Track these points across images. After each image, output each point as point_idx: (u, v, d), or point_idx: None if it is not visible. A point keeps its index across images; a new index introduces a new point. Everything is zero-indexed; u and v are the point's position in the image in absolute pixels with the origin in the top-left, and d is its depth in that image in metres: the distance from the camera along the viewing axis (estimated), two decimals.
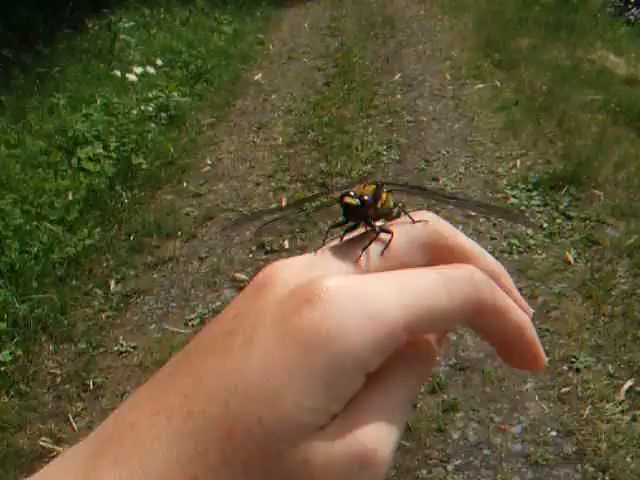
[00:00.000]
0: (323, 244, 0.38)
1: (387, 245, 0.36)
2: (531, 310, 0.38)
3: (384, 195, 0.40)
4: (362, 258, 0.35)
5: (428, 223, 0.37)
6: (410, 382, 0.32)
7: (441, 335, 0.36)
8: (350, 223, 0.39)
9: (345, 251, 0.35)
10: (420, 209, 0.39)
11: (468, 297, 0.32)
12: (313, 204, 0.46)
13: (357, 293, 0.30)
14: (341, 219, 0.39)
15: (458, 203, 0.47)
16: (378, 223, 0.39)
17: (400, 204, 0.42)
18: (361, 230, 0.38)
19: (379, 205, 0.40)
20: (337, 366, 0.28)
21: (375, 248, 0.36)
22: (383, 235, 0.36)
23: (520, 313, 0.35)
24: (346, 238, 0.38)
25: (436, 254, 0.36)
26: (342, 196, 0.38)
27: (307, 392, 0.28)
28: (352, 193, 0.38)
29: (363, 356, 0.29)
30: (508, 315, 0.34)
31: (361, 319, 0.29)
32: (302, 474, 0.29)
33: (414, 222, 0.37)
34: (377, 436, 0.29)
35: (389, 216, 0.41)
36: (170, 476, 0.29)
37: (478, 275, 0.33)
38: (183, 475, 0.29)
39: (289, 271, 0.33)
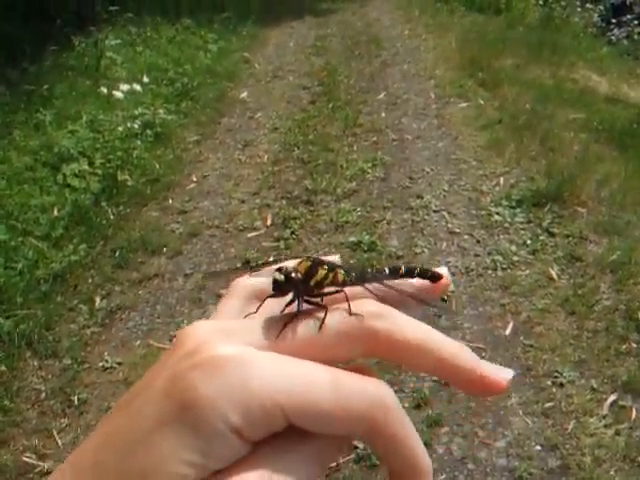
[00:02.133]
0: (256, 311, 0.40)
1: (322, 321, 0.36)
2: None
3: (322, 272, 0.41)
4: (285, 333, 0.36)
5: (364, 318, 0.35)
6: (298, 455, 0.33)
7: (341, 440, 0.35)
8: (290, 297, 0.39)
9: (271, 324, 0.36)
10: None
11: (361, 415, 0.32)
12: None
13: (243, 366, 0.32)
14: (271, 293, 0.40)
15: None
16: (317, 299, 0.40)
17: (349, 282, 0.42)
18: (306, 306, 0.39)
19: (312, 282, 0.40)
20: (208, 426, 0.30)
21: (306, 325, 0.36)
22: (318, 312, 0.37)
23: (424, 457, 0.34)
24: (285, 311, 0.39)
25: (370, 348, 0.35)
26: (275, 270, 0.39)
27: (182, 446, 0.30)
28: (283, 268, 0.39)
29: (233, 422, 0.30)
30: (407, 452, 0.33)
31: (235, 389, 0.31)
32: None
33: (350, 314, 0.36)
34: None
35: (339, 289, 0.41)
36: None
37: (389, 400, 0.33)
38: None
39: (203, 333, 0.34)
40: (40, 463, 2.67)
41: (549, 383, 2.85)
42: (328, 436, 0.33)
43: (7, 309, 3.43)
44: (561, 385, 2.83)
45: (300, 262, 0.41)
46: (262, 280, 0.42)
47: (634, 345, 3.04)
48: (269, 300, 0.40)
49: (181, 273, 3.85)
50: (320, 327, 0.36)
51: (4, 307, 3.43)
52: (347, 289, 0.41)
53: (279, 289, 0.39)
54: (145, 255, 4.03)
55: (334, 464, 2.53)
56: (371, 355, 0.36)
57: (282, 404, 0.31)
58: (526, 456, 2.52)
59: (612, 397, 2.76)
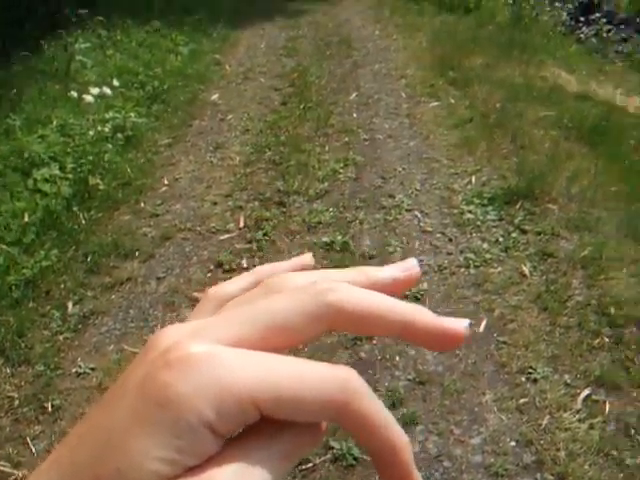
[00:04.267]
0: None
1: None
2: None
3: None
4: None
5: (317, 287, 0.36)
6: (269, 450, 0.33)
7: (314, 430, 0.36)
8: None
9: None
10: None
11: (328, 398, 0.33)
12: None
13: (213, 362, 0.32)
14: None
15: None
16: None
17: None
18: None
19: None
20: (182, 423, 0.31)
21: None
22: None
23: (399, 433, 0.34)
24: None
25: (330, 323, 0.36)
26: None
27: (156, 443, 0.31)
28: None
29: (207, 416, 0.31)
30: (381, 430, 0.34)
31: (208, 386, 0.32)
32: None
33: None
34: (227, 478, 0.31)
35: None
36: None
37: (355, 382, 0.34)
38: None
39: (173, 335, 0.35)
40: (14, 471, 2.64)
41: (523, 379, 2.87)
42: (301, 426, 0.34)
43: None
44: (535, 381, 2.85)
45: None
46: (233, 287, 0.43)
47: (606, 340, 3.07)
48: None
49: (154, 277, 3.83)
50: None
51: None
52: None
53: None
54: (117, 259, 4.01)
55: (310, 464, 2.53)
56: (334, 329, 0.37)
57: (252, 395, 0.32)
58: (501, 452, 2.53)
59: (586, 392, 2.79)
